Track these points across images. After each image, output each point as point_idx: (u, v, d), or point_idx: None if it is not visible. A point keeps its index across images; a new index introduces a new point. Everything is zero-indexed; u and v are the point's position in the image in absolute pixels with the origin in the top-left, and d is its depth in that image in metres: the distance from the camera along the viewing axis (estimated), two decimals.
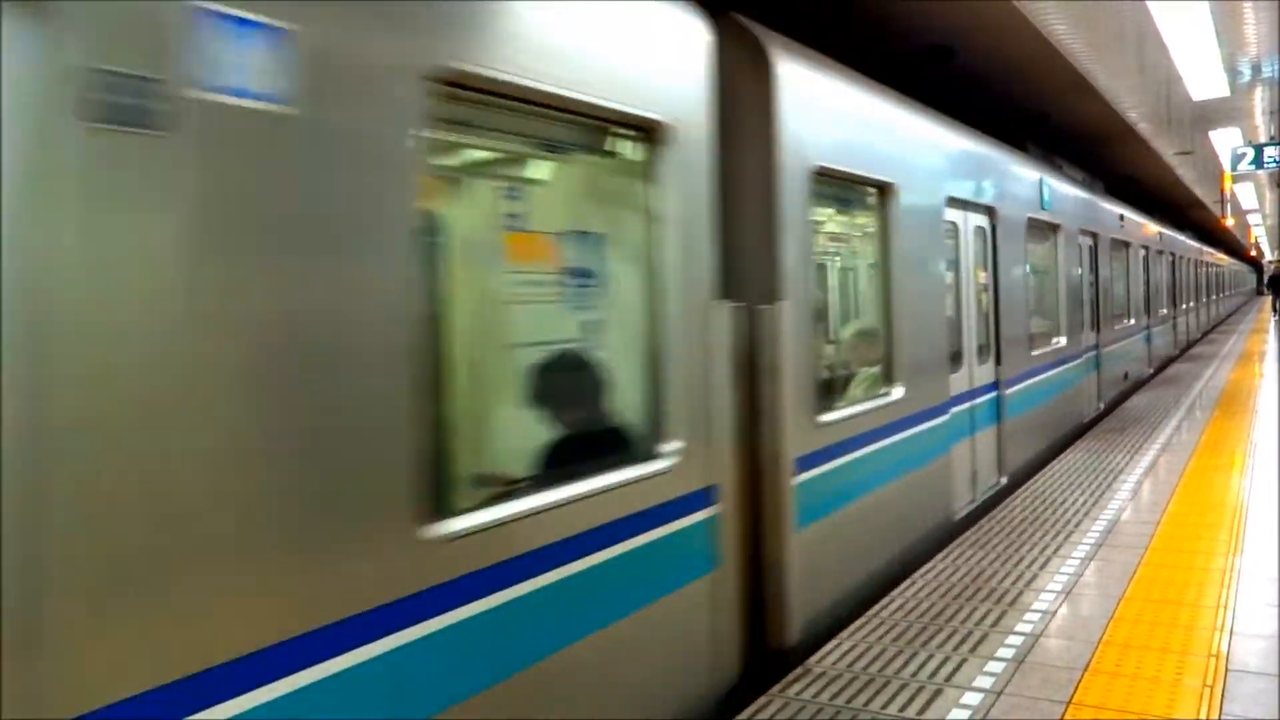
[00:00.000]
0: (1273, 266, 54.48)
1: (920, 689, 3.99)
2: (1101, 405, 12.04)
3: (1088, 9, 8.05)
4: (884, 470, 5.58)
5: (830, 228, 5.87)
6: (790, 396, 4.49)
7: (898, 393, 5.77)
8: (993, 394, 7.81)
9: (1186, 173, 20.04)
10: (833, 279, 6.22)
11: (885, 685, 4.04)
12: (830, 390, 5.40)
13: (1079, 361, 10.96)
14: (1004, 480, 7.88)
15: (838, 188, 5.49)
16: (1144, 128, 13.64)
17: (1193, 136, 15.80)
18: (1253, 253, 59.71)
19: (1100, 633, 4.51)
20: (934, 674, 4.14)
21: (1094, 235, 12.06)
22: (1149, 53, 9.95)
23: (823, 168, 4.92)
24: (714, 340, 3.98)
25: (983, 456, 7.53)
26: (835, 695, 3.96)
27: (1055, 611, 4.83)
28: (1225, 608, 4.79)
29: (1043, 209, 9.52)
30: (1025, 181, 9.09)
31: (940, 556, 5.86)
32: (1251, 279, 62.48)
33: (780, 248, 4.52)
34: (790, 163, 4.60)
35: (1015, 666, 4.17)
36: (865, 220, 6.03)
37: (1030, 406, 8.76)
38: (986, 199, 7.79)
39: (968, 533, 6.38)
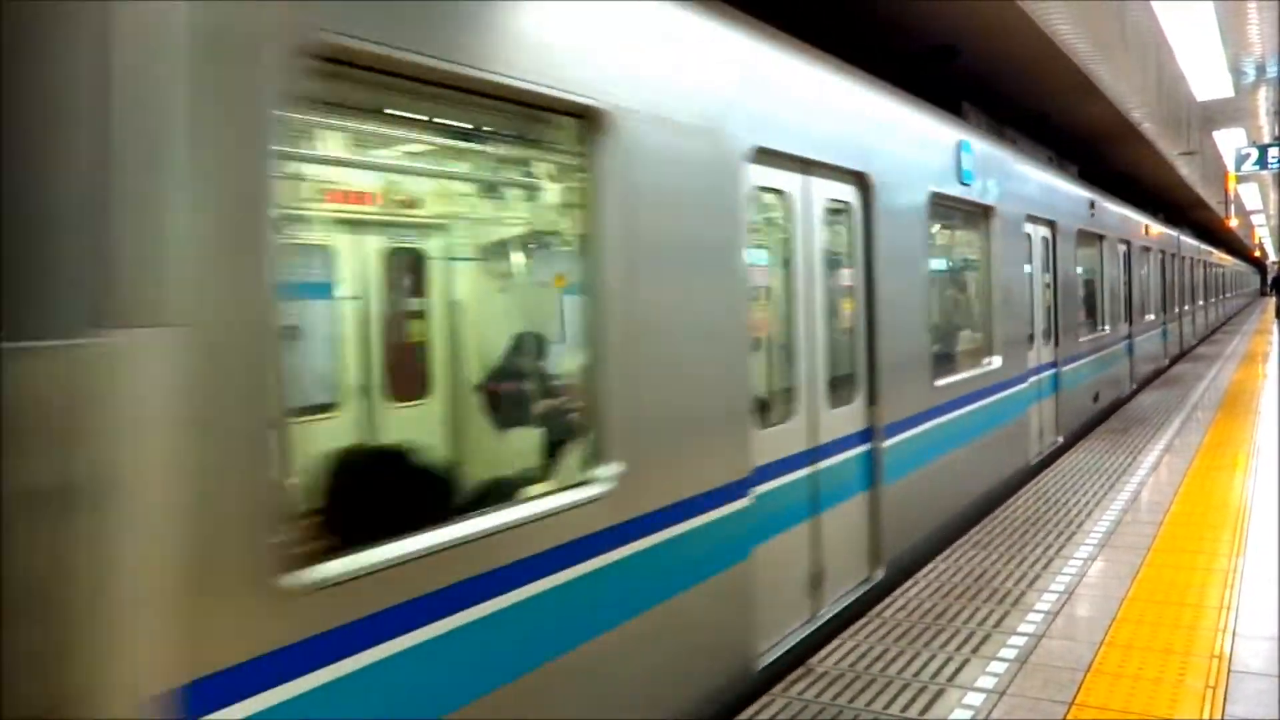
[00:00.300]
0: (1276, 268, 54.48)
1: (922, 689, 3.99)
2: (1060, 438, 9.84)
3: (1091, 9, 8.06)
4: (555, 634, 3.10)
5: (405, 179, 3.75)
6: (162, 543, 2.05)
7: (600, 485, 3.31)
8: (863, 448, 5.44)
9: (1190, 173, 20.04)
10: (445, 282, 4.33)
11: (887, 685, 4.04)
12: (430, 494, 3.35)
13: (1023, 386, 8.51)
14: (880, 574, 5.48)
15: (441, 102, 3.12)
16: (1148, 128, 13.63)
17: (1197, 137, 15.80)
18: (1256, 254, 59.63)
19: (1103, 633, 4.51)
20: (936, 674, 4.14)
21: (1051, 224, 9.74)
22: (1153, 53, 9.96)
23: (348, 47, 2.46)
24: None
25: (836, 548, 5.07)
26: (837, 695, 3.96)
27: (1058, 612, 4.83)
28: (1228, 609, 4.78)
29: (962, 183, 7.05)
30: (930, 144, 6.66)
31: (941, 557, 5.85)
32: (1255, 280, 62.39)
33: (152, 205, 2.06)
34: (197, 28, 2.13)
35: (1018, 667, 4.17)
36: (557, 175, 3.88)
37: (931, 458, 6.30)
38: (851, 161, 5.32)
39: (970, 532, 6.37)
